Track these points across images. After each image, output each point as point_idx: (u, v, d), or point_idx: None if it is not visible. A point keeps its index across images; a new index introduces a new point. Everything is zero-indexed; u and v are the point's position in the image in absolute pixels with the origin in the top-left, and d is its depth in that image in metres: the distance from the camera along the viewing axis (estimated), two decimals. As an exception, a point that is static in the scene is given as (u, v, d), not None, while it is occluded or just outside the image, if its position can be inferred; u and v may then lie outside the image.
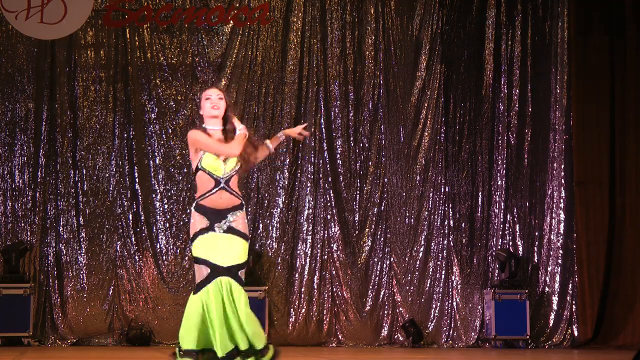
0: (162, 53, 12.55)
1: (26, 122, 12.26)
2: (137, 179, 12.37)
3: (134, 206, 12.31)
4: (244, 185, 12.46)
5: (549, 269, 12.50)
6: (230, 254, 5.95)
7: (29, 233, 12.12)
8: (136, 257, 12.24)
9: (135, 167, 12.39)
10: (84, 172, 12.30)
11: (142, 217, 12.30)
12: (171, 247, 12.33)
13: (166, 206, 12.40)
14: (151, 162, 12.42)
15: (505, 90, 12.85)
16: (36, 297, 11.75)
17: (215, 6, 12.63)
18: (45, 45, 12.31)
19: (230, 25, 12.69)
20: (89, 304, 12.06)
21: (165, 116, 12.51)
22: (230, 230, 6.02)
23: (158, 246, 12.29)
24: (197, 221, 6.00)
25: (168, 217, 12.37)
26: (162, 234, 12.32)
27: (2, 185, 12.12)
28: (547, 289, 12.48)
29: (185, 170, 12.45)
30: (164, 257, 12.28)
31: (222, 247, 5.95)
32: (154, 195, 12.38)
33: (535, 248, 12.60)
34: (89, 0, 12.21)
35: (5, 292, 11.52)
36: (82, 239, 12.15)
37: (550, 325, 12.37)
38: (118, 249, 12.22)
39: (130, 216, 12.30)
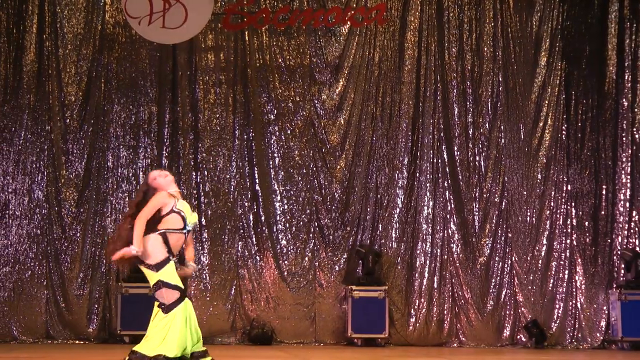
0: (280, 55, 12.66)
1: (149, 125, 12.51)
2: (257, 180, 12.50)
3: (255, 207, 12.45)
4: (363, 185, 12.50)
5: (679, 268, 12.15)
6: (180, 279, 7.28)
7: (153, 234, 12.33)
8: (257, 257, 12.36)
9: (255, 168, 12.51)
10: (205, 173, 12.49)
11: (263, 218, 12.42)
12: (291, 247, 12.41)
13: (286, 207, 12.49)
14: (271, 163, 12.54)
15: (629, 86, 12.56)
16: (160, 296, 11.94)
17: (332, 7, 12.68)
18: (167, 50, 12.55)
19: (348, 25, 12.72)
20: (212, 303, 12.22)
21: (284, 117, 12.61)
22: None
23: (278, 246, 12.39)
24: (160, 248, 7.16)
25: (288, 217, 12.46)
26: (282, 234, 12.42)
27: (127, 187, 12.38)
28: (677, 289, 12.13)
29: (304, 170, 12.52)
30: (284, 257, 12.38)
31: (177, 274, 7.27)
32: (273, 196, 12.49)
33: (664, 247, 12.28)
34: (209, 4, 12.37)
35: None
36: (204, 239, 12.33)
37: (683, 326, 12.03)
38: (239, 249, 12.36)
39: (251, 217, 12.44)
